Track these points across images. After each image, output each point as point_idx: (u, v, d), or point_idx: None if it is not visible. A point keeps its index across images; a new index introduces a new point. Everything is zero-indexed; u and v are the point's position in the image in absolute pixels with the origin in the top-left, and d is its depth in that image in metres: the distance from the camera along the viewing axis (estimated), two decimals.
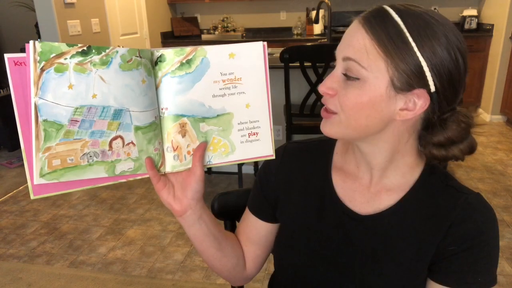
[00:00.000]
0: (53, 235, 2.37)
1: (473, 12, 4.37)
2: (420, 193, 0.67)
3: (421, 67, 0.56)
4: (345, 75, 0.60)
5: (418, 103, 0.59)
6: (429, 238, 0.65)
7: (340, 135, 0.64)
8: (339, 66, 0.61)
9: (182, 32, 5.11)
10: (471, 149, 0.63)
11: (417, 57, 0.56)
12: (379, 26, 0.57)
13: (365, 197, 0.70)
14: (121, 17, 3.90)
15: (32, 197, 0.55)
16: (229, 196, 0.94)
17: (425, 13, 0.57)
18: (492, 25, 4.17)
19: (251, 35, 5.11)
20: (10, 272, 2.03)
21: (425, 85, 0.57)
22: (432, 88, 0.57)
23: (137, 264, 2.08)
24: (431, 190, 0.67)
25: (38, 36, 3.54)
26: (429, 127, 0.62)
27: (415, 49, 0.56)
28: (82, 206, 2.70)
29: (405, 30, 0.56)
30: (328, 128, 0.64)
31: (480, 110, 4.48)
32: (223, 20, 5.10)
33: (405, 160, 0.67)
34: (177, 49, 0.60)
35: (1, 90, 3.64)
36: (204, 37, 5.01)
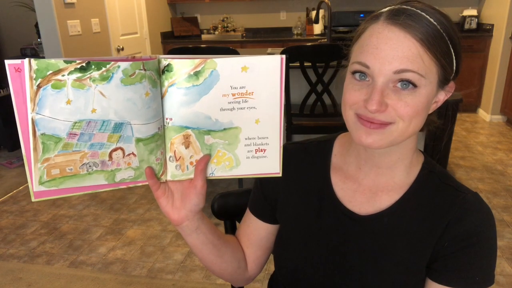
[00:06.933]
0: (53, 235, 2.37)
1: (473, 12, 4.37)
2: (418, 192, 0.67)
3: (453, 60, 0.60)
4: (397, 86, 0.58)
5: (446, 92, 0.63)
6: (427, 237, 0.65)
7: (388, 145, 0.62)
8: (386, 79, 0.58)
9: (182, 32, 5.11)
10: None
11: (452, 53, 0.60)
12: (423, 30, 0.57)
13: (366, 197, 0.70)
14: (121, 17, 3.89)
15: (33, 199, 0.56)
16: (229, 196, 0.94)
17: (439, 12, 0.60)
18: (492, 25, 4.17)
19: (251, 35, 5.10)
20: (10, 272, 2.03)
21: (452, 74, 0.62)
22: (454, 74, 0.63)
23: (137, 264, 2.08)
24: (430, 189, 0.67)
25: (38, 36, 3.53)
26: None
27: (450, 44, 0.59)
28: (82, 206, 2.70)
29: (441, 30, 0.58)
30: (379, 139, 0.61)
31: (480, 110, 4.48)
32: (223, 20, 5.10)
33: (412, 157, 0.68)
34: (186, 59, 0.57)
35: (1, 90, 3.64)
36: (204, 37, 5.00)
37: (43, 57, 0.54)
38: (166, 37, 4.95)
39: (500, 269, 1.97)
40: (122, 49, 3.83)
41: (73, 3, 3.19)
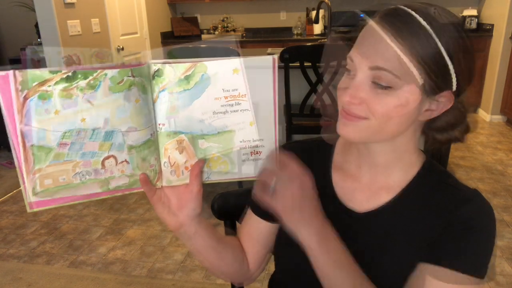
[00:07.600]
0: (53, 235, 2.37)
1: (473, 12, 4.37)
2: (417, 190, 0.68)
3: (449, 71, 0.57)
4: (374, 83, 0.58)
5: (442, 103, 0.60)
6: (426, 234, 0.65)
7: (364, 140, 0.63)
8: (364, 75, 0.58)
9: (182, 32, 5.11)
10: (468, 129, 0.67)
11: (446, 60, 0.56)
12: (409, 32, 0.55)
13: (365, 196, 0.70)
14: (121, 17, 3.89)
15: (28, 210, 0.55)
16: (229, 196, 0.94)
17: (442, 11, 0.58)
18: (492, 25, 4.17)
19: (251, 35, 5.10)
20: (10, 272, 2.03)
21: (450, 86, 0.59)
22: (455, 87, 0.59)
23: (137, 264, 2.08)
24: (429, 188, 0.67)
25: (38, 36, 3.53)
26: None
27: (444, 54, 0.56)
28: (82, 206, 2.69)
29: (433, 34, 0.55)
30: (353, 131, 0.61)
31: (480, 110, 4.48)
32: (223, 20, 5.10)
33: (411, 157, 0.68)
34: (176, 64, 0.57)
35: None
36: (204, 37, 5.00)
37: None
38: (166, 37, 4.95)
39: (500, 269, 1.97)
40: (122, 49, 3.83)
41: (73, 3, 3.19)
